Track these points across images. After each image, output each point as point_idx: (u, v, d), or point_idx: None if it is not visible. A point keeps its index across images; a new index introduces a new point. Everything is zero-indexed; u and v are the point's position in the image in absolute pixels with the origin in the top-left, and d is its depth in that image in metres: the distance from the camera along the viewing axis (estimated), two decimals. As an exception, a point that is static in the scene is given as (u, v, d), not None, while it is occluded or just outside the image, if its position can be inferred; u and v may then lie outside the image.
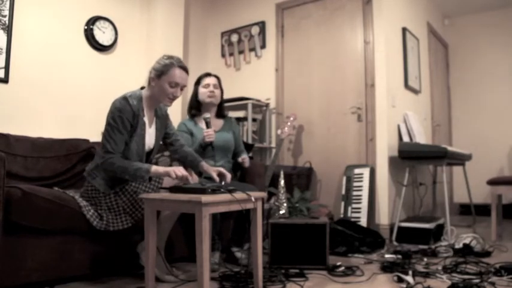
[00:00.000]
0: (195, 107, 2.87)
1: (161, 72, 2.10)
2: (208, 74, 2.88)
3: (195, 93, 2.87)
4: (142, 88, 2.23)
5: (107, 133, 2.06)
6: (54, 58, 3.16)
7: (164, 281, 2.15)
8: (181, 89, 2.17)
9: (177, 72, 2.11)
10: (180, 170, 2.03)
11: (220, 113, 2.92)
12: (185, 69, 2.17)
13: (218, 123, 2.89)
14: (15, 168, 2.44)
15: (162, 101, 2.16)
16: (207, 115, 2.60)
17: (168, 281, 2.15)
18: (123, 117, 2.05)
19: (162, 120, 2.32)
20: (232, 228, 2.71)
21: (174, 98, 2.16)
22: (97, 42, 3.41)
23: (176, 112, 3.90)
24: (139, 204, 2.13)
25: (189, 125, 2.82)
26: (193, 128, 2.80)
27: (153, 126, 2.27)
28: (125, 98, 2.09)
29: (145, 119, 2.18)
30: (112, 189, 2.12)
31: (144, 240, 1.89)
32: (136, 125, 2.12)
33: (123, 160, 2.06)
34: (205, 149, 2.62)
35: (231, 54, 4.61)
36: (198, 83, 2.87)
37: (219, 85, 2.87)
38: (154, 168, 2.04)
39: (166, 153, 2.59)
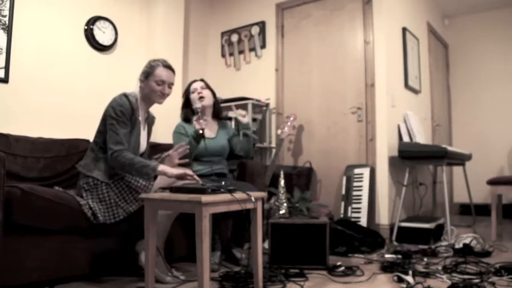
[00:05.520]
0: (189, 115, 2.82)
1: (148, 73, 2.26)
2: (193, 81, 2.86)
3: (188, 102, 2.83)
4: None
5: (113, 127, 2.12)
6: (54, 58, 3.16)
7: (164, 281, 2.15)
8: (169, 87, 2.31)
9: (161, 70, 2.26)
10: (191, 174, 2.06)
11: (217, 115, 2.88)
12: (170, 67, 2.32)
13: (214, 127, 2.85)
14: (15, 168, 2.44)
15: (154, 99, 2.29)
16: (198, 105, 2.60)
17: (169, 282, 2.15)
18: (124, 111, 2.14)
19: (150, 125, 2.45)
20: (232, 228, 2.71)
21: (163, 95, 2.29)
22: (97, 42, 3.41)
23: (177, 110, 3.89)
24: (131, 198, 2.14)
25: (187, 126, 2.78)
26: (190, 130, 2.77)
27: (146, 129, 2.39)
28: (125, 95, 2.20)
29: (141, 119, 2.28)
30: (110, 179, 2.15)
31: (144, 240, 1.89)
32: (134, 122, 2.21)
33: (131, 155, 2.10)
34: (198, 140, 2.57)
35: (231, 54, 4.61)
36: (187, 92, 2.83)
37: (207, 86, 2.83)
38: (161, 167, 2.05)
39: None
